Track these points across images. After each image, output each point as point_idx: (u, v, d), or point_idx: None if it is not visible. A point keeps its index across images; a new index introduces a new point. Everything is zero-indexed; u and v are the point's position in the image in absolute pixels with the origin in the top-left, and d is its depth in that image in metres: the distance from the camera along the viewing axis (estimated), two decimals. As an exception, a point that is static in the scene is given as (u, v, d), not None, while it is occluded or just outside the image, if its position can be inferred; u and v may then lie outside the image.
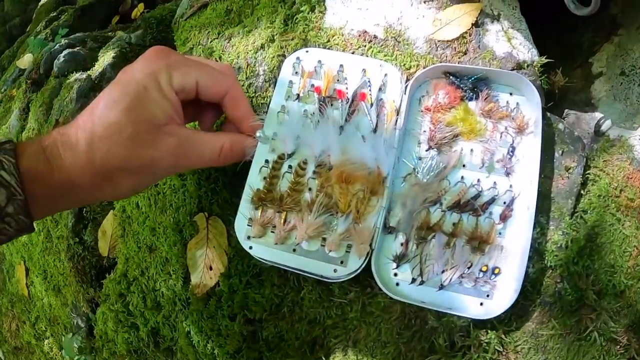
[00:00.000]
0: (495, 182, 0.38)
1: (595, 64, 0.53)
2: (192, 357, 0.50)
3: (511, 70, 0.43)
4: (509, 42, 0.44)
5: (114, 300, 0.58)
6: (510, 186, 0.37)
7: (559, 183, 0.40)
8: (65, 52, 0.80)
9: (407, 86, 0.40)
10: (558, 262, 0.38)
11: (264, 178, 0.40)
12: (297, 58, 0.43)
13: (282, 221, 0.39)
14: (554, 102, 0.46)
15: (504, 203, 0.37)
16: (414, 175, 0.38)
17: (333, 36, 0.45)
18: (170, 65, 0.33)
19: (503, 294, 0.35)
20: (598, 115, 0.48)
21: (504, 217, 0.36)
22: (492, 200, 0.37)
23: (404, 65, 0.43)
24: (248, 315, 0.44)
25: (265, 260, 0.39)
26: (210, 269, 0.46)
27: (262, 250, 0.39)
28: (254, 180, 0.40)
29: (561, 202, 0.39)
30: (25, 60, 0.98)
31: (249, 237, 0.39)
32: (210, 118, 0.40)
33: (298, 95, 0.41)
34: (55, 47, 0.82)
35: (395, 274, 0.37)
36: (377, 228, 0.36)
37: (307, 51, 0.43)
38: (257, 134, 0.38)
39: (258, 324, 0.44)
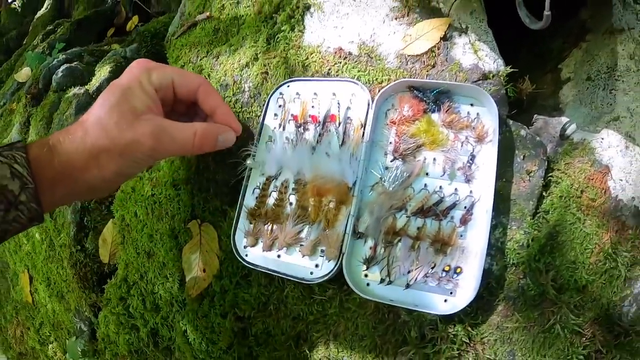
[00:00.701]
0: (456, 189, 0.41)
1: (564, 70, 0.56)
2: (189, 355, 0.54)
3: (477, 80, 0.46)
4: (476, 54, 0.47)
5: (115, 304, 0.61)
6: (470, 192, 0.41)
7: (520, 186, 0.43)
8: (63, 67, 0.83)
9: (374, 100, 0.43)
10: (520, 260, 0.40)
11: (256, 198, 0.45)
12: (280, 93, 0.48)
13: (267, 232, 0.43)
14: (523, 108, 0.49)
15: (465, 208, 0.40)
16: (381, 184, 0.41)
17: (311, 54, 0.49)
18: (149, 68, 0.40)
19: (465, 291, 0.38)
20: (565, 119, 0.51)
21: (464, 221, 0.40)
22: (454, 205, 0.40)
23: (377, 79, 0.46)
24: (238, 313, 0.47)
25: (257, 265, 0.43)
26: (204, 271, 0.50)
27: (254, 257, 0.44)
28: (248, 200, 0.46)
29: (522, 203, 0.42)
30: (23, 74, 1.01)
31: (245, 247, 0.45)
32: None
33: (281, 124, 0.46)
34: (53, 63, 0.85)
35: (366, 275, 0.40)
36: (346, 234, 0.40)
37: (288, 85, 0.48)
38: (248, 162, 0.45)
39: (247, 321, 0.47)
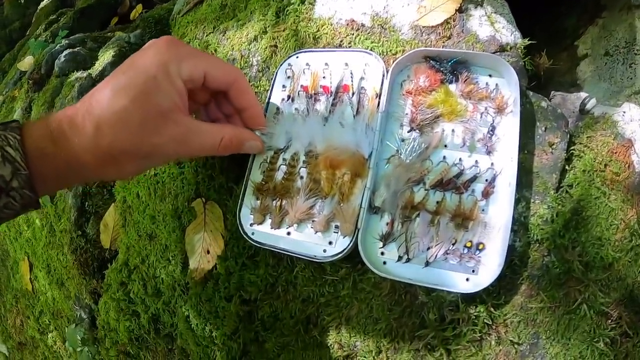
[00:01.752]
0: (476, 161, 0.39)
1: (580, 46, 0.55)
2: (191, 341, 0.51)
3: (494, 52, 0.44)
4: (492, 26, 0.45)
5: (115, 289, 0.59)
6: (492, 164, 0.39)
7: (543, 158, 0.41)
8: (65, 52, 0.82)
9: (388, 71, 0.41)
10: (544, 236, 0.38)
11: (263, 172, 0.43)
12: (289, 64, 0.45)
13: (276, 208, 0.41)
14: (540, 85, 0.47)
15: (486, 180, 0.38)
16: (397, 156, 0.39)
17: (322, 26, 0.47)
18: (180, 56, 0.33)
19: (488, 269, 0.36)
20: (583, 95, 0.49)
21: (486, 194, 0.38)
22: (474, 178, 0.38)
23: (390, 51, 0.45)
24: (244, 296, 0.45)
25: (264, 244, 0.41)
26: (208, 252, 0.47)
27: (261, 235, 0.41)
28: (255, 174, 0.43)
29: (545, 176, 0.40)
30: (26, 63, 1.00)
31: (251, 225, 0.42)
32: (212, 109, 0.42)
33: (289, 96, 0.44)
34: (56, 48, 0.84)
35: (382, 253, 0.38)
36: (362, 208, 0.38)
37: (297, 57, 0.45)
38: (257, 133, 0.41)
39: (253, 304, 0.45)
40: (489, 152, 0.39)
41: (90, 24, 1.03)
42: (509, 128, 0.39)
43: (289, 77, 0.45)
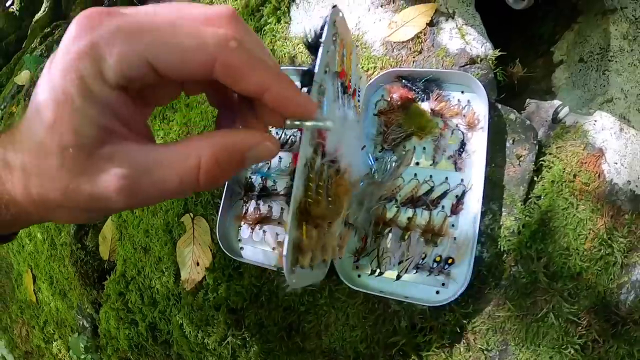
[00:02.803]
0: (447, 177, 0.40)
1: (556, 53, 0.55)
2: (186, 348, 0.54)
3: (464, 65, 0.45)
4: (463, 39, 0.46)
5: (114, 299, 0.62)
6: (462, 180, 0.40)
7: (510, 171, 0.42)
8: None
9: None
10: (511, 247, 0.40)
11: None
12: None
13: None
14: (515, 93, 0.48)
15: (456, 197, 0.40)
16: (371, 175, 0.41)
17: (298, 45, 0.48)
18: (99, 44, 0.20)
19: (457, 282, 0.38)
20: (557, 102, 0.50)
21: (455, 210, 0.39)
22: (444, 195, 0.40)
23: (363, 67, 0.46)
24: (231, 305, 0.47)
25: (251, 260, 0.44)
26: (197, 264, 0.50)
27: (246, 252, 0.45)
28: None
29: (512, 189, 0.42)
30: (23, 77, 1.03)
31: (239, 240, 0.46)
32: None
33: None
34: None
35: (357, 267, 0.40)
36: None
37: None
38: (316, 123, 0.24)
39: (240, 313, 0.47)
40: (459, 169, 0.40)
41: (83, 37, 1.04)
42: (479, 144, 0.41)
43: None
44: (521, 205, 0.41)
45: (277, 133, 0.45)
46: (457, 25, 0.47)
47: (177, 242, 0.52)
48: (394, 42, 0.46)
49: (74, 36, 0.20)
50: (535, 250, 0.39)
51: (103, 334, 0.67)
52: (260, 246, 0.43)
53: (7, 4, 1.40)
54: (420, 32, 0.46)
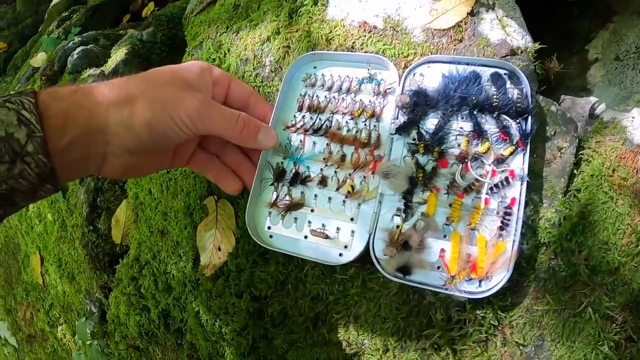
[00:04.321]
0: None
1: (591, 51, 0.55)
2: (200, 337, 0.52)
3: (505, 56, 0.44)
4: (503, 30, 0.46)
5: (126, 284, 0.60)
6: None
7: (552, 163, 0.41)
8: (78, 49, 0.83)
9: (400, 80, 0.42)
10: (552, 239, 0.39)
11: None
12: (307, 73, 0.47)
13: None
14: (551, 89, 0.47)
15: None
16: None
17: (335, 27, 0.48)
18: (211, 66, 0.40)
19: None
20: (593, 99, 0.49)
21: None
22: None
23: (402, 53, 0.45)
24: (254, 293, 0.46)
25: (282, 249, 0.42)
26: (219, 249, 0.48)
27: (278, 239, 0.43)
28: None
29: (554, 180, 0.41)
30: (39, 59, 1.02)
31: (269, 228, 0.44)
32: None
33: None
34: (69, 45, 0.85)
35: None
36: (374, 213, 0.39)
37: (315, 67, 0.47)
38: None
39: (263, 301, 0.46)
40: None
41: (102, 21, 1.04)
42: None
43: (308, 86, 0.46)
44: (562, 197, 0.40)
45: (311, 118, 0.44)
46: (497, 17, 0.46)
47: (198, 226, 0.51)
48: (435, 30, 0.45)
49: (199, 62, 0.40)
50: (576, 243, 0.38)
51: (111, 319, 0.65)
52: (292, 234, 0.42)
53: None
54: (461, 21, 0.45)
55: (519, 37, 0.46)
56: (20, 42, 1.32)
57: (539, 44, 0.46)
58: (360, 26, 0.47)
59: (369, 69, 0.44)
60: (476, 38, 0.45)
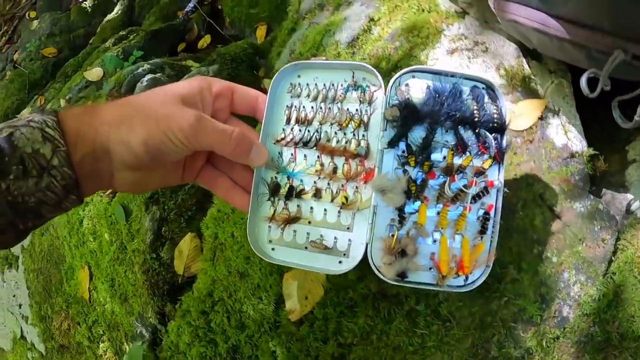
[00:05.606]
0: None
1: (630, 152, 0.64)
2: (272, 374, 0.57)
3: (566, 159, 0.53)
4: (566, 135, 0.55)
5: (195, 317, 0.64)
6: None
7: (596, 251, 0.50)
8: (148, 76, 0.88)
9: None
10: (592, 311, 0.47)
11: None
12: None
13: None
14: (595, 182, 0.56)
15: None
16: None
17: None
18: (212, 80, 0.40)
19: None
20: (630, 196, 0.59)
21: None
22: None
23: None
24: (340, 340, 0.51)
25: (284, 261, 0.43)
26: (306, 298, 0.54)
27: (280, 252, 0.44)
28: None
29: (597, 265, 0.49)
30: (94, 73, 1.05)
31: (270, 241, 0.44)
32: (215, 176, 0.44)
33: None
34: (138, 71, 0.90)
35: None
36: (369, 224, 0.41)
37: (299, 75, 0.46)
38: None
39: (347, 348, 0.51)
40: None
41: (160, 47, 1.08)
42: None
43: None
44: (602, 278, 0.49)
45: (300, 130, 0.44)
46: (561, 122, 0.56)
47: (285, 274, 0.56)
48: (512, 130, 0.54)
49: (199, 77, 0.40)
50: (610, 315, 0.48)
51: (168, 346, 0.69)
52: (292, 246, 0.43)
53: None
54: (533, 124, 0.54)
55: (577, 142, 0.55)
56: (70, 50, 1.34)
57: (592, 149, 0.55)
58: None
59: (353, 77, 0.44)
60: (544, 141, 0.54)
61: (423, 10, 0.61)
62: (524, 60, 0.57)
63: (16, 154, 0.30)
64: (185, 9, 1.17)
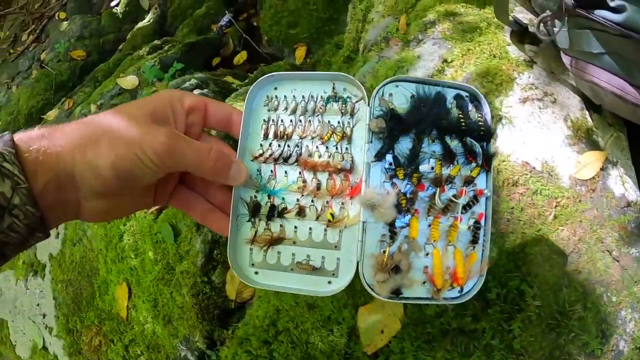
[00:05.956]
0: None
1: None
2: (340, 405, 0.58)
3: (623, 207, 0.58)
4: (623, 185, 0.59)
5: (256, 345, 0.64)
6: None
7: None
8: (195, 92, 0.87)
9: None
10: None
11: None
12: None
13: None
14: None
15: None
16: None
17: (503, 161, 0.59)
18: (183, 94, 0.38)
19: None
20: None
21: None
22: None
23: (554, 195, 0.57)
24: (416, 375, 0.53)
25: (269, 285, 0.41)
26: (382, 332, 0.55)
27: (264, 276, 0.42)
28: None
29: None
30: (129, 81, 1.03)
31: (252, 265, 0.42)
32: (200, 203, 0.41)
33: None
34: (185, 85, 0.89)
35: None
36: (359, 241, 0.39)
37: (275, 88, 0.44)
38: None
39: (424, 382, 0.53)
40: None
41: (196, 60, 1.08)
42: None
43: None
44: None
45: (279, 145, 0.42)
46: (619, 174, 0.60)
47: (360, 308, 0.57)
48: (577, 179, 0.58)
49: (171, 90, 0.40)
50: None
51: (220, 372, 0.68)
52: (276, 269, 0.41)
53: (112, 4, 1.38)
54: (596, 175, 0.58)
55: (633, 192, 0.60)
56: (98, 55, 1.30)
57: (645, 200, 0.60)
58: (522, 165, 0.58)
59: (334, 88, 0.42)
60: (605, 190, 0.58)
61: (494, 56, 0.64)
62: (587, 112, 0.62)
63: None
64: (220, 23, 1.17)
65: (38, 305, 0.92)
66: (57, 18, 1.62)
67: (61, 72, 1.35)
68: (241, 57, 1.10)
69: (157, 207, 0.40)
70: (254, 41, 1.12)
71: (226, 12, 1.16)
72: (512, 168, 0.58)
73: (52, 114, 1.19)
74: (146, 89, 0.96)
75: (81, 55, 1.33)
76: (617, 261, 0.57)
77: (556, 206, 0.56)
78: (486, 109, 0.41)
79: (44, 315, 0.91)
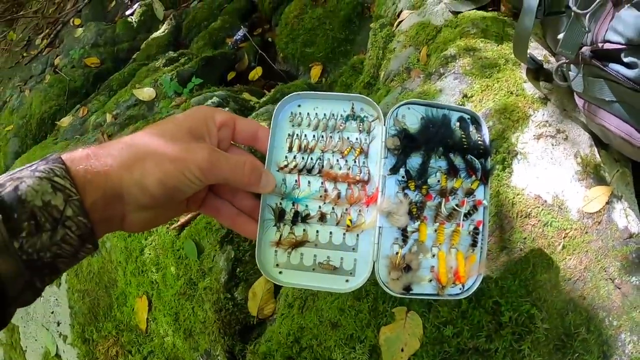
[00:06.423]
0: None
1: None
2: (359, 419, 0.62)
3: (626, 239, 0.63)
4: (626, 218, 0.64)
5: (279, 360, 0.67)
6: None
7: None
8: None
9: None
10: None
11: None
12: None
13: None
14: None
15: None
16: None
17: (517, 194, 0.63)
18: (215, 111, 0.41)
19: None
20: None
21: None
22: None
23: (563, 227, 0.61)
24: (435, 393, 0.57)
25: (292, 283, 0.45)
26: (402, 350, 0.59)
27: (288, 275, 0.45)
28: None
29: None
30: (146, 93, 1.04)
31: (277, 265, 0.46)
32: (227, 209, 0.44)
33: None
34: (208, 103, 0.91)
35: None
36: (375, 244, 0.44)
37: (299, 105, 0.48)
38: None
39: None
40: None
41: (212, 74, 1.09)
42: None
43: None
44: None
45: (302, 157, 0.46)
46: (623, 207, 0.65)
47: (382, 328, 0.61)
48: (585, 212, 0.63)
49: (202, 107, 0.42)
50: None
51: (242, 385, 0.71)
52: (299, 269, 0.45)
53: (127, 12, 1.38)
54: (602, 208, 0.63)
55: (635, 225, 0.65)
56: (112, 63, 1.30)
57: (646, 233, 0.65)
58: (535, 198, 0.63)
59: (352, 107, 0.47)
60: (610, 223, 0.63)
61: (511, 93, 0.69)
62: (596, 149, 0.67)
63: (26, 208, 0.29)
64: (235, 37, 1.18)
65: (52, 313, 0.94)
66: (71, 24, 1.61)
67: (75, 78, 1.35)
68: (256, 72, 1.12)
69: (191, 214, 0.43)
70: (268, 57, 1.14)
71: (241, 26, 1.18)
72: (526, 201, 0.63)
73: (66, 121, 1.19)
74: (164, 101, 0.98)
75: (95, 63, 1.34)
76: (619, 288, 0.62)
77: (565, 237, 0.60)
78: (485, 130, 0.47)
79: (59, 323, 0.93)
